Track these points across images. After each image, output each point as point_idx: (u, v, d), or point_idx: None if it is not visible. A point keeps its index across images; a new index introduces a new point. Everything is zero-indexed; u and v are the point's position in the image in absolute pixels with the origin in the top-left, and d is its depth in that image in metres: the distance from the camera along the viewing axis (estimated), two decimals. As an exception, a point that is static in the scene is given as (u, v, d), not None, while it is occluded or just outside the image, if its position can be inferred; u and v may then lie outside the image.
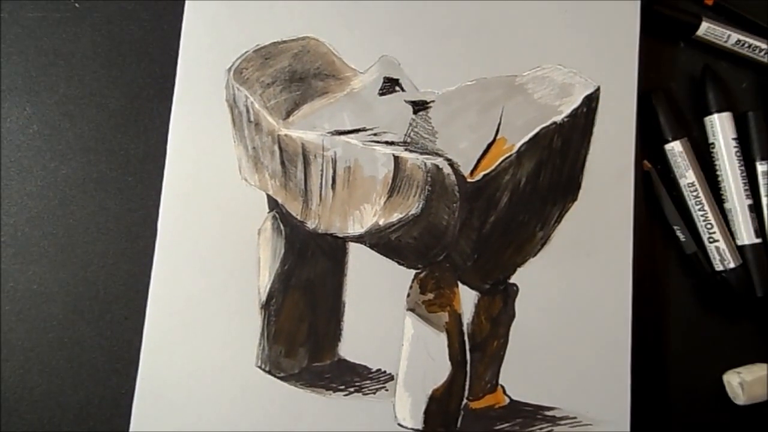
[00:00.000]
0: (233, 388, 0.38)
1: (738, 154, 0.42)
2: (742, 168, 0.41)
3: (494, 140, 0.39)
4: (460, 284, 0.40)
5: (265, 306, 0.39)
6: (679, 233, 0.41)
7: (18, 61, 0.40)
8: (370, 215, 0.39)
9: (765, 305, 0.42)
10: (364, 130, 0.39)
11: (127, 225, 0.39)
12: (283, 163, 0.39)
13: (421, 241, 0.39)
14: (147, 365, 0.37)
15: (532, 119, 0.39)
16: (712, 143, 0.42)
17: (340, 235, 0.39)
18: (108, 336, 0.39)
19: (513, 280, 0.40)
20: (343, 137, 0.39)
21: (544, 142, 0.39)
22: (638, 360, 0.39)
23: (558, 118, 0.39)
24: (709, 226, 0.41)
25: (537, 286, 0.40)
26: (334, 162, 0.38)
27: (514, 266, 0.40)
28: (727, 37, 0.42)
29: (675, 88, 0.43)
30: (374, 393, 0.39)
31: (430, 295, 0.39)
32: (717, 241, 0.41)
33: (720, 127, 0.42)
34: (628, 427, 0.39)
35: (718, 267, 0.41)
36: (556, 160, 0.39)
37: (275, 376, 0.38)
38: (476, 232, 0.39)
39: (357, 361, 0.39)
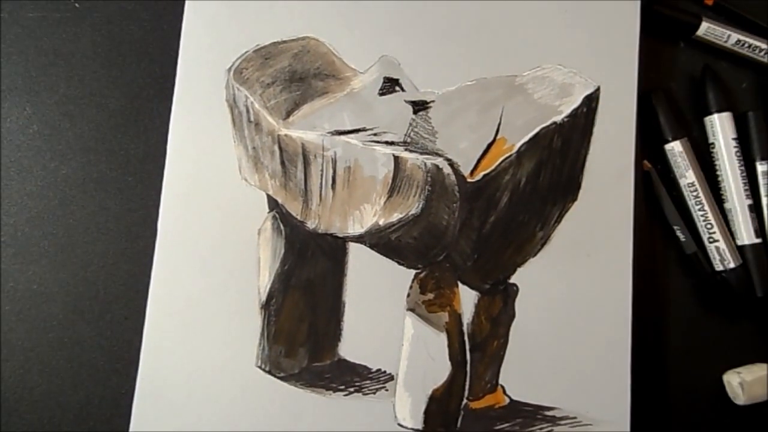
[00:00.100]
0: (233, 388, 0.38)
1: (738, 154, 0.42)
2: (742, 168, 0.41)
3: (494, 140, 0.39)
4: (460, 284, 0.40)
5: (265, 306, 0.39)
6: (679, 233, 0.41)
7: (18, 61, 0.40)
8: (370, 215, 0.39)
9: (765, 305, 0.42)
10: (364, 130, 0.39)
11: (127, 225, 0.39)
12: (283, 163, 0.39)
13: (421, 241, 0.39)
14: (147, 365, 0.37)
15: (532, 119, 0.39)
16: (712, 143, 0.42)
17: (340, 235, 0.39)
18: (108, 336, 0.39)
19: (513, 280, 0.40)
20: (343, 137, 0.39)
21: (544, 142, 0.39)
22: (638, 360, 0.39)
23: (558, 118, 0.39)
24: (709, 226, 0.41)
25: (537, 286, 0.40)
26: (334, 162, 0.38)
27: (514, 266, 0.40)
28: (727, 37, 0.42)
29: (675, 88, 0.43)
30: (374, 393, 0.39)
31: (430, 295, 0.39)
32: (717, 241, 0.41)
33: (720, 127, 0.42)
34: (628, 427, 0.39)
35: (718, 267, 0.41)
36: (556, 160, 0.39)
37: (275, 376, 0.38)
38: (476, 232, 0.39)
39: (357, 361, 0.39)
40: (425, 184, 0.38)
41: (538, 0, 0.41)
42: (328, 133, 0.39)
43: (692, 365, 0.41)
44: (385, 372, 0.39)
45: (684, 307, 0.42)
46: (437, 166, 0.38)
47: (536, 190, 0.39)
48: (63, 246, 0.39)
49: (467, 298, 0.40)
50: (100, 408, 0.38)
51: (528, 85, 0.40)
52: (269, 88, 0.39)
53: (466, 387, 0.39)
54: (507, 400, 0.39)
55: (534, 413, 0.39)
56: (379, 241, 0.39)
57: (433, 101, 0.40)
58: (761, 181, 0.42)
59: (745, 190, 0.41)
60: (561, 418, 0.39)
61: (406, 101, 0.39)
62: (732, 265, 0.41)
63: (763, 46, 0.42)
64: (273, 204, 0.39)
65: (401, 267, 0.39)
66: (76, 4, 0.40)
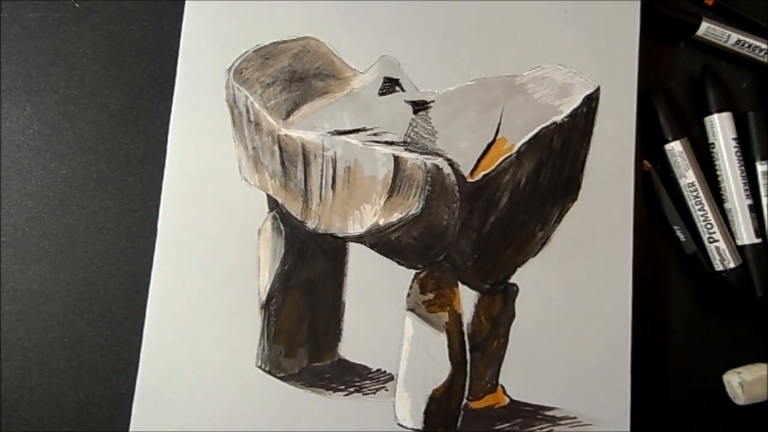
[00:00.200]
0: (233, 388, 0.38)
1: (738, 154, 0.42)
2: (742, 168, 0.41)
3: (494, 140, 0.39)
4: (460, 284, 0.40)
5: (265, 306, 0.39)
6: (679, 233, 0.41)
7: (18, 61, 0.40)
8: (370, 215, 0.39)
9: (765, 305, 0.42)
10: (364, 130, 0.39)
11: (127, 225, 0.39)
12: (283, 163, 0.39)
13: (421, 241, 0.39)
14: (147, 365, 0.37)
15: (532, 119, 0.39)
16: (712, 143, 0.42)
17: (340, 235, 0.39)
18: (108, 336, 0.39)
19: (513, 280, 0.40)
20: (343, 137, 0.39)
21: (544, 142, 0.39)
22: (638, 360, 0.39)
23: (558, 118, 0.39)
24: (709, 226, 0.41)
25: (537, 286, 0.40)
26: (334, 162, 0.38)
27: (514, 266, 0.40)
28: (727, 37, 0.42)
29: (675, 88, 0.43)
30: (374, 393, 0.39)
31: (430, 295, 0.39)
32: (717, 241, 0.41)
33: (720, 127, 0.42)
34: (628, 427, 0.39)
35: (718, 267, 0.41)
36: (556, 160, 0.39)
37: (275, 376, 0.38)
38: (476, 232, 0.39)
39: (357, 361, 0.39)
40: (425, 184, 0.38)
41: (538, 0, 0.41)
42: (328, 133, 0.39)
43: (692, 365, 0.41)
44: (385, 372, 0.39)
45: (684, 307, 0.42)
46: (437, 166, 0.38)
47: (536, 190, 0.39)
48: (63, 246, 0.39)
49: (467, 298, 0.40)
50: (100, 408, 0.38)
51: (528, 85, 0.40)
52: (269, 88, 0.39)
53: (466, 387, 0.39)
54: (507, 400, 0.39)
55: (534, 413, 0.39)
56: (379, 241, 0.39)
57: (433, 101, 0.40)
58: (761, 181, 0.42)
59: (745, 190, 0.41)
60: (561, 418, 0.39)
61: (406, 101, 0.39)
62: (732, 265, 0.41)
63: (763, 46, 0.42)
64: (273, 204, 0.39)
65: (401, 267, 0.39)
66: (76, 4, 0.40)
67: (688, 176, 0.41)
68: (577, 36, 0.41)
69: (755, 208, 0.42)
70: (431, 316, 0.39)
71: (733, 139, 0.42)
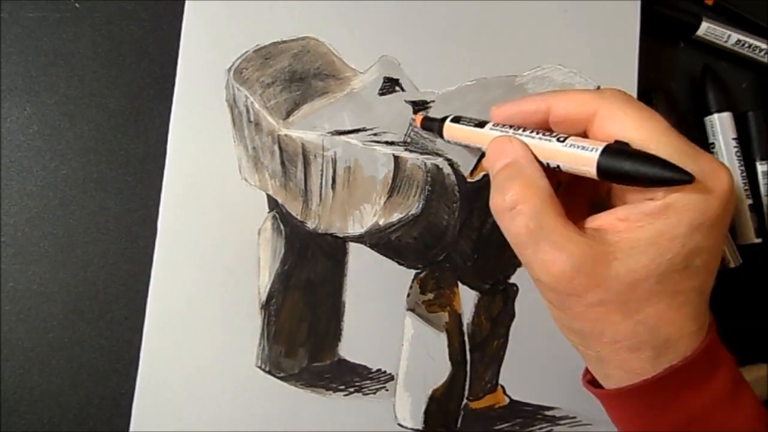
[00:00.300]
0: (233, 388, 0.38)
1: (738, 154, 0.42)
2: (742, 168, 0.42)
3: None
4: (460, 284, 0.40)
5: (265, 306, 0.39)
6: (679, 233, 0.41)
7: (18, 61, 0.40)
8: (370, 215, 0.39)
9: (765, 305, 0.42)
10: (364, 130, 0.39)
11: (127, 225, 0.39)
12: (283, 163, 0.39)
13: (421, 241, 0.39)
14: (147, 365, 0.37)
15: (532, 119, 0.39)
16: (712, 143, 0.42)
17: (340, 235, 0.39)
18: (108, 336, 0.39)
19: (513, 280, 0.40)
20: (343, 137, 0.39)
21: (544, 142, 0.39)
22: (638, 360, 0.39)
23: (558, 118, 0.39)
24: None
25: (537, 286, 0.40)
26: (334, 162, 0.38)
27: (514, 266, 0.40)
28: (727, 37, 0.42)
29: (675, 88, 0.43)
30: (374, 393, 0.39)
31: (430, 295, 0.39)
32: (717, 241, 0.41)
33: (720, 127, 0.42)
34: (628, 427, 0.39)
35: (718, 267, 0.41)
36: (556, 160, 0.39)
37: (275, 376, 0.38)
38: (476, 232, 0.39)
39: (357, 361, 0.39)
40: (425, 184, 0.38)
41: (538, 0, 0.41)
42: (328, 133, 0.39)
43: (692, 365, 0.41)
44: (385, 372, 0.39)
45: (684, 307, 0.42)
46: (437, 166, 0.38)
47: (536, 190, 0.39)
48: (63, 246, 0.39)
49: (467, 298, 0.40)
50: (100, 408, 0.38)
51: (528, 85, 0.40)
52: (269, 88, 0.39)
53: (466, 387, 0.39)
54: (507, 400, 0.39)
55: (534, 413, 0.39)
56: (379, 241, 0.39)
57: (433, 101, 0.40)
58: (761, 181, 0.42)
59: (745, 190, 0.41)
60: (561, 418, 0.39)
61: (406, 101, 0.39)
62: (732, 265, 0.41)
63: (763, 46, 0.42)
64: (273, 204, 0.39)
65: (401, 267, 0.39)
66: (76, 4, 0.40)
67: (688, 176, 0.41)
68: (577, 36, 0.41)
69: (755, 208, 0.42)
70: (431, 316, 0.39)
71: (733, 139, 0.42)
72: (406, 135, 0.39)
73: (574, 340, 0.30)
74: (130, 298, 0.39)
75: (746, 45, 0.43)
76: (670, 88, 0.43)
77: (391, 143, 0.39)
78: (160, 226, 0.38)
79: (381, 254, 0.39)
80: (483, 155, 0.40)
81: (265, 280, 0.39)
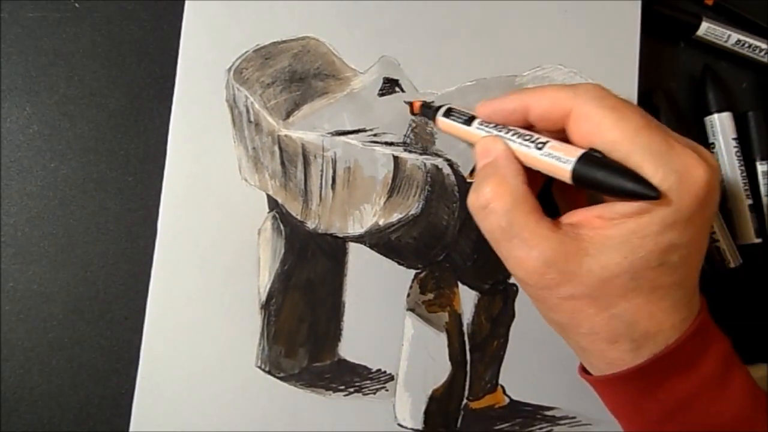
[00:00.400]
0: (233, 388, 0.38)
1: (738, 154, 0.42)
2: (742, 168, 0.42)
3: (494, 140, 0.39)
4: (460, 284, 0.40)
5: (265, 306, 0.39)
6: (679, 233, 0.41)
7: (18, 61, 0.40)
8: (370, 215, 0.39)
9: (765, 305, 0.42)
10: (364, 130, 0.39)
11: (127, 225, 0.39)
12: (283, 163, 0.39)
13: (421, 241, 0.39)
14: (147, 365, 0.37)
15: (532, 119, 0.39)
16: (712, 143, 0.42)
17: (340, 235, 0.39)
18: (108, 336, 0.39)
19: (513, 280, 0.40)
20: (343, 138, 0.39)
21: (544, 142, 0.39)
22: (638, 360, 0.39)
23: (558, 118, 0.39)
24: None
25: (537, 286, 0.39)
26: (334, 162, 0.38)
27: (514, 266, 0.40)
28: (727, 37, 0.42)
29: (675, 88, 0.43)
30: (374, 393, 0.39)
31: (430, 295, 0.39)
32: (717, 241, 0.41)
33: (720, 127, 0.42)
34: (627, 427, 0.39)
35: (718, 267, 0.41)
36: (556, 160, 0.39)
37: (275, 376, 0.38)
38: (476, 232, 0.39)
39: (357, 361, 0.39)
40: (425, 185, 0.38)
41: (538, 0, 0.41)
42: (328, 133, 0.39)
43: (692, 365, 0.41)
44: (385, 372, 0.39)
45: (684, 307, 0.42)
46: (437, 167, 0.38)
47: (536, 190, 0.39)
48: (63, 246, 0.39)
49: (467, 298, 0.40)
50: (100, 408, 0.38)
51: (528, 85, 0.40)
52: (269, 88, 0.39)
53: (466, 387, 0.39)
54: (507, 400, 0.39)
55: (534, 413, 0.39)
56: (379, 241, 0.39)
57: (432, 102, 0.40)
58: (761, 181, 0.42)
59: (745, 190, 0.41)
60: (561, 418, 0.39)
61: (405, 102, 0.39)
62: (732, 265, 0.41)
63: (763, 46, 0.42)
64: (273, 204, 0.39)
65: (401, 267, 0.39)
66: (76, 4, 0.40)
67: (688, 176, 0.41)
68: (577, 36, 0.41)
69: (755, 208, 0.42)
70: (431, 316, 0.39)
71: (733, 139, 0.42)
72: (405, 135, 0.39)
73: (557, 331, 0.31)
74: (130, 298, 0.39)
75: (746, 45, 0.43)
76: (670, 88, 0.43)
77: (391, 144, 0.39)
78: (160, 226, 0.38)
79: (381, 254, 0.39)
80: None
81: (265, 280, 0.39)
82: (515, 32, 0.41)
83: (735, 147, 0.42)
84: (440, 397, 0.39)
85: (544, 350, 0.39)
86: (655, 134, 0.26)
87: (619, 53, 0.41)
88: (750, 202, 0.41)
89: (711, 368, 0.28)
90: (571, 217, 0.28)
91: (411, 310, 0.39)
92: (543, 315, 0.30)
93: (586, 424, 0.39)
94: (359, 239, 0.39)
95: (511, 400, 0.39)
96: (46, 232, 0.39)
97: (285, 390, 0.38)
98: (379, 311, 0.39)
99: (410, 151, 0.39)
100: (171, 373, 0.38)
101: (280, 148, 0.39)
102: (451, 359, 0.39)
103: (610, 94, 0.28)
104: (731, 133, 0.42)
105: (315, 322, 0.39)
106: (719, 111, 0.42)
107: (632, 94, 0.40)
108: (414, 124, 0.39)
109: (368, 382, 0.39)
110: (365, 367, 0.39)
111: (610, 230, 0.26)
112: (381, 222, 0.39)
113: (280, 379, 0.38)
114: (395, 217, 0.39)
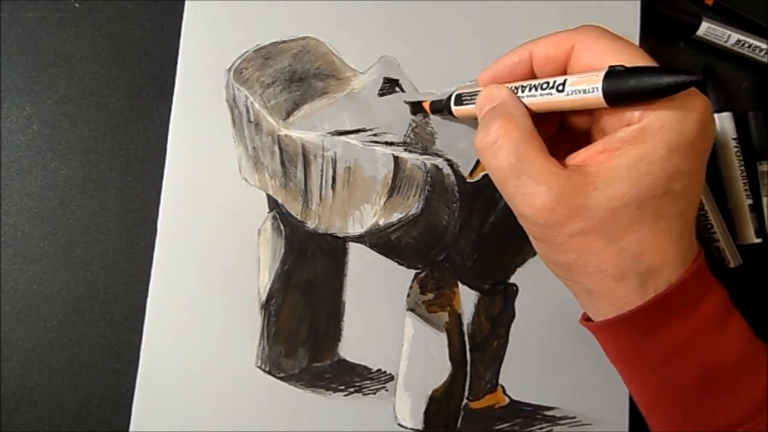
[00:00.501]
0: (233, 388, 0.38)
1: (738, 154, 0.42)
2: (742, 168, 0.41)
3: (494, 140, 0.39)
4: (460, 284, 0.40)
5: (265, 306, 0.39)
6: (679, 233, 0.41)
7: (18, 61, 0.40)
8: (370, 215, 0.39)
9: (765, 305, 0.42)
10: (364, 130, 0.39)
11: (127, 225, 0.39)
12: (283, 163, 0.39)
13: (421, 241, 0.39)
14: (147, 365, 0.37)
15: (532, 119, 0.39)
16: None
17: (340, 235, 0.39)
18: (108, 336, 0.39)
19: (513, 280, 0.40)
20: (343, 137, 0.39)
21: (544, 142, 0.39)
22: (638, 360, 0.39)
23: (558, 118, 0.39)
24: (709, 226, 0.41)
25: (537, 286, 0.40)
26: (334, 162, 0.38)
27: (514, 266, 0.40)
28: (727, 37, 0.42)
29: (675, 88, 0.43)
30: (374, 393, 0.39)
31: (430, 295, 0.39)
32: (717, 241, 0.41)
33: (720, 127, 0.42)
34: (626, 427, 0.39)
35: (719, 267, 0.41)
36: (556, 160, 0.39)
37: (275, 376, 0.38)
38: (476, 232, 0.39)
39: (357, 361, 0.39)
40: (425, 184, 0.38)
41: (538, 0, 0.41)
42: (328, 133, 0.39)
43: (692, 365, 0.41)
44: (385, 372, 0.39)
45: (684, 307, 0.42)
46: (437, 167, 0.38)
47: (536, 190, 0.39)
48: (63, 246, 0.39)
49: (467, 298, 0.40)
50: (100, 408, 0.38)
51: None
52: (269, 88, 0.39)
53: (466, 387, 0.39)
54: (507, 400, 0.39)
55: (534, 413, 0.39)
56: (379, 241, 0.39)
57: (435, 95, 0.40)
58: (761, 181, 0.42)
59: (745, 190, 0.41)
60: (561, 418, 0.39)
61: (405, 102, 0.39)
62: (732, 265, 0.41)
63: (763, 46, 0.42)
64: (273, 204, 0.39)
65: (401, 267, 0.39)
66: (76, 4, 0.40)
67: (688, 176, 0.41)
68: (577, 36, 0.41)
69: (755, 208, 0.42)
70: (431, 316, 0.39)
71: (733, 139, 0.42)
72: (405, 135, 0.39)
73: (561, 275, 0.30)
74: (130, 298, 0.39)
75: (746, 45, 0.42)
76: (670, 88, 0.43)
77: (391, 143, 0.39)
78: (160, 226, 0.38)
79: (381, 254, 0.39)
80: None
81: (265, 280, 0.39)
82: (515, 32, 0.40)
83: (735, 147, 0.42)
84: (440, 397, 0.39)
85: (544, 350, 0.39)
86: (654, 63, 0.27)
87: (619, 53, 0.41)
88: (750, 202, 0.41)
89: (711, 311, 0.28)
90: (574, 159, 0.28)
91: (411, 310, 0.39)
92: (548, 258, 0.30)
93: (586, 424, 0.39)
94: (359, 239, 0.39)
95: (511, 400, 0.39)
96: (46, 232, 0.39)
97: (285, 390, 0.38)
98: (379, 311, 0.39)
99: (410, 151, 0.39)
100: (171, 373, 0.38)
101: (280, 148, 0.39)
102: (451, 359, 0.39)
103: (608, 30, 0.29)
104: (731, 133, 0.42)
105: (315, 322, 0.39)
106: (719, 111, 0.42)
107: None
108: (414, 124, 0.39)
109: (368, 382, 0.39)
110: (365, 367, 0.39)
111: (616, 161, 0.27)
112: (381, 222, 0.39)
113: (280, 379, 0.38)
114: (395, 217, 0.39)
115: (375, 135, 0.39)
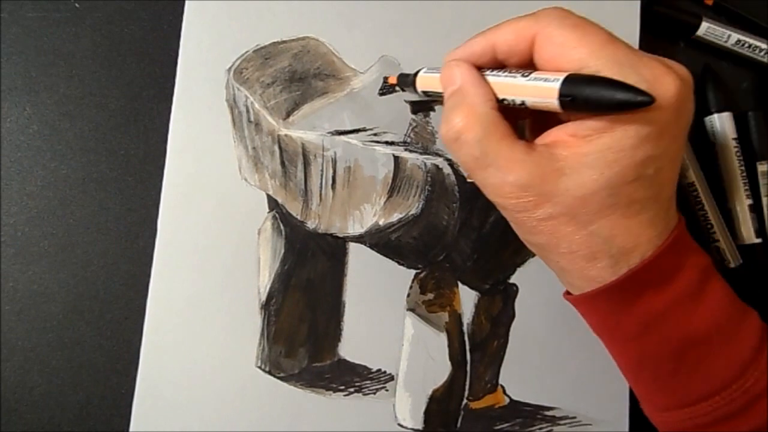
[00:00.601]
0: (233, 388, 0.38)
1: (738, 154, 0.42)
2: (742, 168, 0.41)
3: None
4: (460, 284, 0.40)
5: (265, 306, 0.39)
6: (679, 233, 0.41)
7: (18, 61, 0.40)
8: (370, 215, 0.39)
9: (765, 305, 0.42)
10: (364, 130, 0.39)
11: (127, 225, 0.39)
12: (283, 163, 0.39)
13: (421, 241, 0.39)
14: (147, 365, 0.37)
15: (532, 119, 0.39)
16: (712, 143, 0.42)
17: (340, 235, 0.39)
18: (108, 336, 0.39)
19: (513, 280, 0.40)
20: (343, 137, 0.39)
21: (544, 142, 0.39)
22: (638, 360, 0.39)
23: (558, 118, 0.39)
24: (709, 226, 0.41)
25: (537, 286, 0.40)
26: (334, 162, 0.38)
27: (514, 266, 0.40)
28: (727, 37, 0.42)
29: (675, 88, 0.43)
30: (374, 393, 0.39)
31: (430, 295, 0.39)
32: (717, 241, 0.41)
33: (720, 127, 0.42)
34: (626, 427, 0.39)
35: (719, 267, 0.41)
36: (556, 160, 0.39)
37: (275, 376, 0.38)
38: (476, 232, 0.39)
39: (357, 361, 0.39)
40: (425, 184, 0.38)
41: (538, 0, 0.41)
42: (328, 133, 0.39)
43: (692, 365, 0.41)
44: (385, 372, 0.39)
45: (684, 307, 0.42)
46: (437, 166, 0.38)
47: (536, 190, 0.39)
48: (63, 246, 0.39)
49: (467, 298, 0.40)
50: (100, 408, 0.38)
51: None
52: (269, 88, 0.39)
53: (466, 387, 0.39)
54: (507, 400, 0.39)
55: (534, 413, 0.39)
56: (379, 241, 0.39)
57: (434, 102, 0.40)
58: (761, 181, 0.42)
59: (745, 190, 0.41)
60: (561, 418, 0.39)
61: (406, 101, 0.39)
62: (732, 265, 0.41)
63: (763, 46, 0.42)
64: (273, 204, 0.39)
65: (401, 267, 0.39)
66: (76, 4, 0.40)
67: (688, 176, 0.41)
68: (577, 36, 0.41)
69: (755, 208, 0.42)
70: (431, 316, 0.39)
71: (733, 139, 0.42)
72: (406, 135, 0.39)
73: (538, 254, 0.31)
74: (130, 298, 0.39)
75: (746, 45, 0.43)
76: (670, 88, 0.43)
77: (391, 143, 0.39)
78: (160, 226, 0.38)
79: (381, 254, 0.39)
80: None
81: (265, 280, 0.39)
82: (515, 32, 0.40)
83: (735, 147, 0.42)
84: (440, 397, 0.39)
85: (544, 350, 0.39)
86: (620, 47, 0.26)
87: (619, 53, 0.41)
88: (750, 202, 0.41)
89: (686, 282, 0.28)
90: (545, 138, 0.28)
91: (411, 310, 0.39)
92: (522, 238, 0.30)
93: (586, 424, 0.39)
94: (359, 239, 0.39)
95: (511, 400, 0.39)
96: (46, 232, 0.39)
97: (285, 390, 0.38)
98: (379, 311, 0.39)
99: (411, 151, 0.39)
100: (171, 373, 0.38)
101: (280, 148, 0.39)
102: (451, 359, 0.39)
103: (570, 14, 0.28)
104: (731, 133, 0.42)
105: (315, 322, 0.39)
106: (719, 111, 0.42)
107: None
108: (414, 124, 0.39)
109: (368, 382, 0.39)
110: (365, 367, 0.39)
111: (585, 147, 0.26)
112: (381, 222, 0.39)
113: (280, 379, 0.38)
114: (395, 217, 0.39)
115: (375, 135, 0.39)
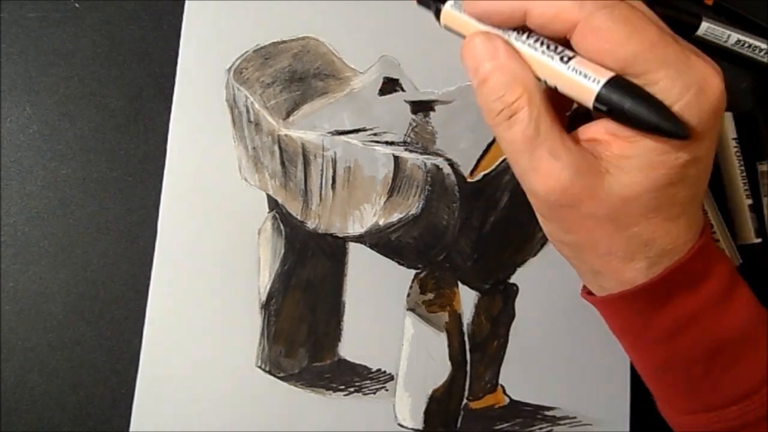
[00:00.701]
0: (233, 388, 0.38)
1: (738, 154, 0.42)
2: (742, 168, 0.41)
3: (494, 140, 0.39)
4: (460, 284, 0.40)
5: (265, 306, 0.39)
6: (679, 233, 0.41)
7: (18, 61, 0.40)
8: (370, 215, 0.39)
9: (765, 305, 0.42)
10: (364, 130, 0.39)
11: (127, 225, 0.39)
12: (283, 163, 0.39)
13: (421, 241, 0.39)
14: (147, 365, 0.37)
15: (532, 119, 0.39)
16: (712, 143, 0.42)
17: (340, 235, 0.39)
18: (108, 336, 0.39)
19: (513, 280, 0.40)
20: (343, 137, 0.39)
21: (544, 142, 0.39)
22: (638, 360, 0.39)
23: (558, 118, 0.39)
24: (709, 226, 0.41)
25: (537, 286, 0.40)
26: (334, 162, 0.38)
27: (514, 266, 0.40)
28: (727, 37, 0.42)
29: (675, 88, 0.43)
30: (374, 393, 0.39)
31: (430, 295, 0.39)
32: (717, 241, 0.41)
33: (720, 127, 0.42)
34: (627, 427, 0.39)
35: (718, 267, 0.41)
36: (556, 160, 0.39)
37: (275, 376, 0.38)
38: (476, 232, 0.39)
39: (357, 361, 0.39)
40: (425, 184, 0.38)
41: (538, 0, 0.41)
42: (328, 133, 0.39)
43: (692, 365, 0.41)
44: (385, 372, 0.39)
45: (684, 307, 0.42)
46: (437, 166, 0.38)
47: (536, 190, 0.39)
48: (63, 246, 0.39)
49: (467, 298, 0.40)
50: (100, 408, 0.38)
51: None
52: (269, 88, 0.39)
53: (466, 387, 0.39)
54: (507, 400, 0.39)
55: (534, 413, 0.39)
56: (379, 241, 0.39)
57: (434, 101, 0.40)
58: (761, 181, 0.42)
59: (745, 190, 0.41)
60: (561, 418, 0.39)
61: (406, 101, 0.39)
62: (732, 265, 0.41)
63: (763, 46, 0.42)
64: (273, 204, 0.39)
65: (401, 267, 0.39)
66: (76, 4, 0.40)
67: (688, 176, 0.41)
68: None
69: (755, 208, 0.42)
70: (431, 316, 0.39)
71: (733, 139, 0.42)
72: (406, 135, 0.39)
73: (568, 254, 0.30)
74: (130, 298, 0.39)
75: (746, 45, 0.42)
76: (670, 88, 0.43)
77: (391, 143, 0.39)
78: (160, 226, 0.38)
79: (381, 254, 0.39)
80: (483, 155, 0.40)
81: (265, 280, 0.39)
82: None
83: (735, 147, 0.42)
84: (440, 397, 0.39)
85: (544, 350, 0.39)
86: (671, 47, 0.25)
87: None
88: (750, 202, 0.41)
89: (717, 283, 0.28)
90: (585, 133, 0.27)
91: (411, 310, 0.39)
92: (555, 238, 0.29)
93: (586, 424, 0.39)
94: (359, 239, 0.39)
95: (511, 400, 0.39)
96: (46, 232, 0.39)
97: (285, 390, 0.38)
98: (379, 311, 0.39)
99: (411, 151, 0.39)
100: (171, 373, 0.38)
101: (280, 148, 0.39)
102: (451, 359, 0.39)
103: (620, 3, 0.25)
104: (731, 133, 0.42)
105: (315, 322, 0.39)
106: (719, 111, 0.42)
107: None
108: (414, 124, 0.39)
109: (368, 382, 0.39)
110: (365, 367, 0.39)
111: (628, 150, 0.25)
112: (381, 222, 0.39)
113: (280, 379, 0.38)
114: (395, 217, 0.39)
115: (375, 135, 0.39)
